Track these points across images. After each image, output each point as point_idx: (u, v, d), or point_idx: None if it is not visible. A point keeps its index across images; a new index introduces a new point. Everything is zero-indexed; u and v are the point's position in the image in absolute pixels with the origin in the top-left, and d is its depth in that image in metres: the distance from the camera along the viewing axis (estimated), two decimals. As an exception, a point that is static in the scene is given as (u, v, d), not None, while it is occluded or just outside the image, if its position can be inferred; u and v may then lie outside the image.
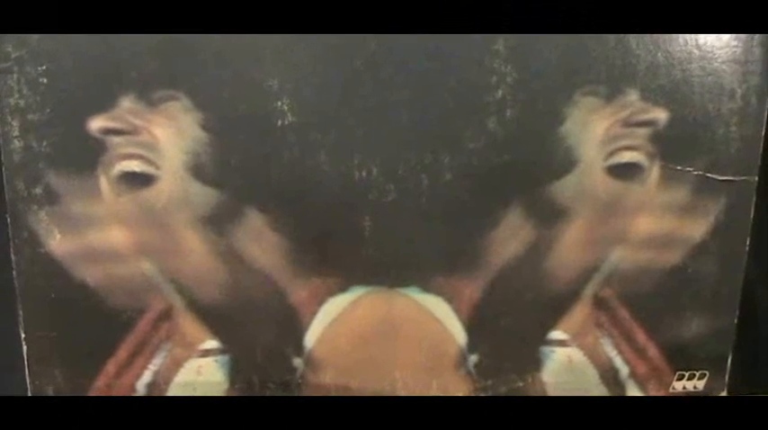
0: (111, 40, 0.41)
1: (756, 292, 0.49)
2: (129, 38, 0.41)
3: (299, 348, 0.45)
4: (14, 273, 0.44)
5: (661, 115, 0.43)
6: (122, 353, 0.45)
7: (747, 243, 0.45)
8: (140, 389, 0.45)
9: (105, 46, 0.41)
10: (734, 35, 0.43)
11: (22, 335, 0.45)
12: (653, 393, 0.47)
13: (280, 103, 0.42)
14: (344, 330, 0.45)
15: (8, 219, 0.43)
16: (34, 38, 0.41)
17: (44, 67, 0.42)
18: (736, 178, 0.44)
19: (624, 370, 0.47)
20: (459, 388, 0.46)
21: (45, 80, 0.42)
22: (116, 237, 0.44)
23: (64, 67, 0.42)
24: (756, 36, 0.43)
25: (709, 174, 0.44)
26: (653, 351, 0.47)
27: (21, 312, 0.44)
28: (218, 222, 0.44)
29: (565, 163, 0.43)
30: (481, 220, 0.44)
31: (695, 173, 0.44)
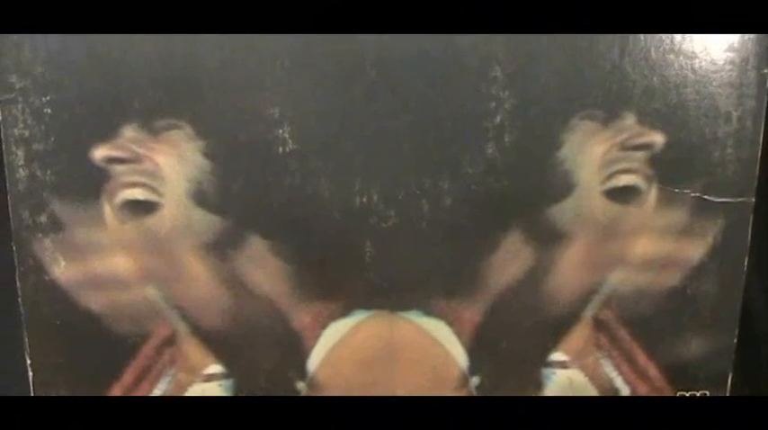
0: (114, 71, 0.41)
1: (755, 312, 0.48)
2: (132, 68, 0.41)
3: (301, 372, 0.44)
4: (20, 300, 0.43)
5: (658, 138, 0.42)
6: (127, 378, 0.44)
7: (745, 263, 0.44)
8: (145, 414, 0.44)
9: (108, 76, 0.41)
10: (729, 60, 0.42)
11: (28, 362, 0.44)
12: (654, 413, 0.46)
13: (281, 131, 0.41)
14: (347, 354, 0.44)
15: (13, 247, 0.43)
16: (38, 69, 0.41)
17: (48, 98, 0.41)
18: (733, 200, 0.43)
19: (625, 390, 0.46)
20: (461, 410, 0.45)
21: (49, 110, 0.41)
22: (120, 263, 0.43)
23: (68, 97, 0.41)
24: (750, 59, 0.42)
25: (706, 196, 0.43)
26: (653, 371, 0.46)
27: (26, 339, 0.44)
28: (220, 248, 0.43)
29: (563, 187, 0.43)
30: (481, 244, 0.43)
31: (693, 195, 0.43)
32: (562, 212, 0.43)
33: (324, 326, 0.44)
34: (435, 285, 0.44)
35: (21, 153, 0.42)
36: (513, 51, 0.41)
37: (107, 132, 0.41)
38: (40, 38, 0.40)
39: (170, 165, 0.42)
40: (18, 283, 0.43)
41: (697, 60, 0.42)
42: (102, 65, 0.41)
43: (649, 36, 0.41)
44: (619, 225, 0.43)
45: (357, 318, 0.44)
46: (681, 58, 0.42)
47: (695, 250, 0.44)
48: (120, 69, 0.41)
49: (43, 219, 0.42)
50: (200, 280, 0.43)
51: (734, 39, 0.42)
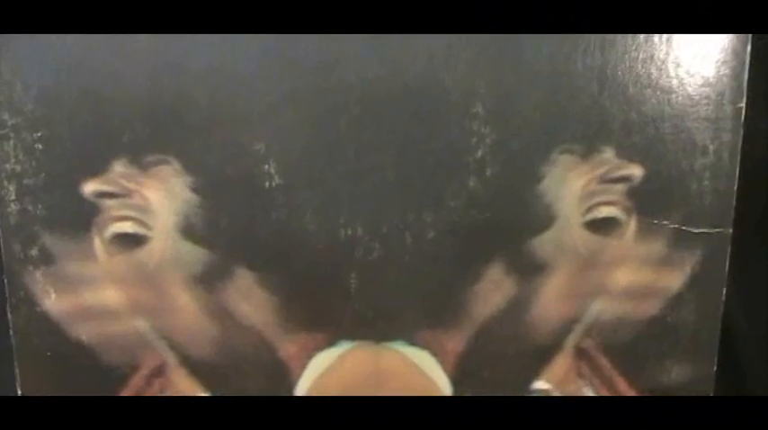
0: (104, 107, 0.41)
1: (734, 341, 0.49)
2: (121, 104, 0.41)
3: (289, 401, 0.45)
4: (11, 331, 0.43)
5: (636, 171, 0.43)
6: (117, 407, 0.44)
7: (724, 293, 0.45)
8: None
9: (98, 112, 0.41)
10: (705, 94, 0.42)
11: (19, 392, 0.44)
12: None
13: (267, 166, 0.42)
14: (333, 383, 0.44)
15: (5, 280, 0.43)
16: (29, 106, 0.41)
17: (39, 134, 0.41)
18: (710, 230, 0.44)
19: (607, 417, 0.46)
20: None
21: (40, 146, 0.42)
22: (110, 296, 0.43)
23: (58, 133, 0.41)
24: (726, 93, 0.43)
25: (684, 227, 0.44)
26: (635, 398, 0.46)
27: (18, 370, 0.44)
28: (208, 281, 0.43)
29: (544, 219, 0.43)
30: (464, 275, 0.44)
31: (671, 226, 0.44)
32: (543, 244, 0.43)
33: (310, 357, 0.44)
34: (420, 316, 0.44)
35: (12, 188, 0.42)
36: (495, 87, 0.42)
37: (97, 167, 0.42)
38: (31, 75, 0.41)
39: (159, 200, 0.42)
40: (9, 315, 0.43)
41: (674, 95, 0.42)
42: (92, 101, 0.41)
43: (627, 71, 0.42)
44: (599, 256, 0.44)
45: (343, 348, 0.44)
46: (658, 92, 0.42)
47: (674, 280, 0.44)
48: (110, 105, 0.41)
49: (34, 252, 0.43)
50: (188, 311, 0.43)
51: (710, 74, 0.42)
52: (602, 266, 0.44)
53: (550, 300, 0.44)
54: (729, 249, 0.44)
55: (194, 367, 0.44)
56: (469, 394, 0.45)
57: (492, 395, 0.45)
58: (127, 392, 0.44)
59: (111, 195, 0.42)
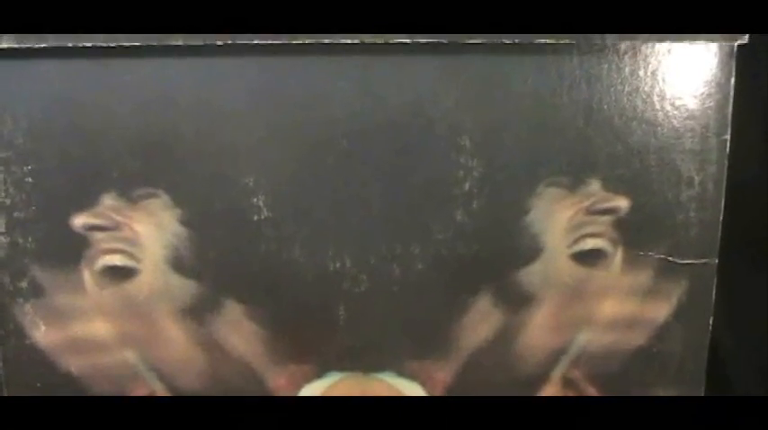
0: (93, 141, 0.41)
1: (721, 370, 0.49)
2: (110, 139, 0.41)
3: (278, 432, 0.44)
4: (1, 363, 0.43)
5: (622, 203, 0.43)
6: (107, 438, 0.44)
7: (710, 323, 0.45)
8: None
9: (87, 147, 0.41)
10: (690, 127, 0.42)
11: (9, 424, 0.44)
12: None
13: (255, 199, 0.42)
14: (322, 414, 0.44)
15: (-6, 312, 0.43)
16: (20, 139, 0.41)
17: (29, 167, 0.41)
18: (696, 261, 0.44)
19: (595, 445, 0.46)
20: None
21: (30, 179, 0.41)
22: (99, 328, 0.43)
23: (48, 166, 0.41)
24: (711, 126, 0.43)
25: (670, 258, 0.44)
26: (622, 427, 0.46)
27: (7, 401, 0.44)
28: (197, 313, 0.43)
29: (531, 251, 0.43)
30: (451, 307, 0.43)
31: (657, 257, 0.44)
32: (530, 275, 0.43)
33: (298, 388, 0.44)
34: (407, 347, 0.44)
35: (2, 220, 0.42)
36: (481, 121, 0.42)
37: (87, 201, 0.42)
38: (21, 109, 0.41)
39: (148, 233, 0.42)
40: (-1, 347, 0.43)
41: (659, 128, 0.42)
42: (82, 135, 0.41)
43: (612, 104, 0.42)
44: (586, 287, 0.44)
45: (331, 379, 0.44)
46: (644, 125, 0.42)
47: (661, 310, 0.44)
48: (99, 140, 0.41)
49: (24, 284, 0.42)
50: (177, 343, 0.43)
51: (695, 107, 0.42)
52: (589, 297, 0.44)
53: (538, 331, 0.44)
54: (715, 280, 0.44)
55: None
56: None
57: (491, 395, 0.45)
58: (116, 424, 0.44)
59: (100, 228, 0.42)
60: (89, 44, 0.39)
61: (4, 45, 0.39)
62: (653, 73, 0.42)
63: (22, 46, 0.39)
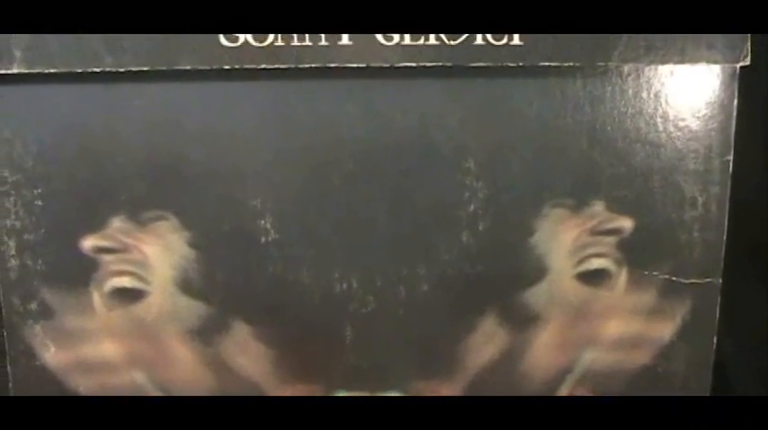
0: (102, 164, 0.41)
1: (726, 389, 0.49)
2: (119, 162, 0.41)
3: (285, 451, 0.44)
4: (11, 384, 0.43)
5: (626, 224, 0.43)
6: (116, 458, 0.44)
7: (714, 342, 0.45)
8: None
9: (96, 169, 0.41)
10: (693, 148, 0.42)
11: (19, 444, 0.44)
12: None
13: (263, 222, 0.42)
14: (329, 434, 0.44)
15: (4, 333, 0.43)
16: (29, 163, 0.41)
17: (39, 190, 0.42)
18: (700, 281, 0.44)
19: (600, 464, 0.46)
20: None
21: (40, 202, 0.42)
22: (108, 349, 0.43)
23: (58, 190, 0.42)
24: (714, 147, 0.43)
25: (674, 278, 0.44)
26: (627, 445, 0.46)
27: (17, 422, 0.44)
28: (205, 334, 0.43)
29: (536, 271, 0.43)
30: (457, 327, 0.43)
31: (661, 277, 0.44)
32: (536, 296, 0.43)
33: (306, 408, 0.44)
34: (414, 367, 0.44)
35: (12, 243, 0.42)
36: (486, 143, 0.42)
37: (96, 223, 0.42)
38: (31, 133, 0.41)
39: (156, 255, 0.42)
40: (9, 368, 0.43)
41: (663, 149, 0.43)
42: (91, 159, 0.41)
43: (616, 126, 0.42)
44: (591, 306, 0.44)
45: (338, 399, 0.44)
46: (647, 146, 0.42)
47: (665, 329, 0.44)
48: (108, 163, 0.41)
49: (34, 306, 0.43)
50: (185, 363, 0.43)
51: (698, 128, 0.42)
52: (594, 317, 0.44)
53: (543, 351, 0.44)
54: (719, 299, 0.44)
55: (192, 418, 0.44)
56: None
57: (491, 395, 0.45)
58: (125, 444, 0.44)
59: (109, 251, 0.42)
60: (98, 69, 0.40)
61: (15, 70, 0.40)
62: (656, 95, 0.42)
63: (33, 71, 0.40)
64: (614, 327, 0.44)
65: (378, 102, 0.41)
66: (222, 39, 0.40)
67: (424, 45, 0.40)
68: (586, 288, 0.43)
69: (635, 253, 0.43)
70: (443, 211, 0.42)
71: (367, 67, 0.40)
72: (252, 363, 0.43)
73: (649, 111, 0.42)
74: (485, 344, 0.44)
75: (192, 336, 0.43)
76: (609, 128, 0.42)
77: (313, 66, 0.40)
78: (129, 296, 0.43)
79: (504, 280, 0.43)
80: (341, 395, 0.44)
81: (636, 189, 0.43)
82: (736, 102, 0.42)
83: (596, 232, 0.43)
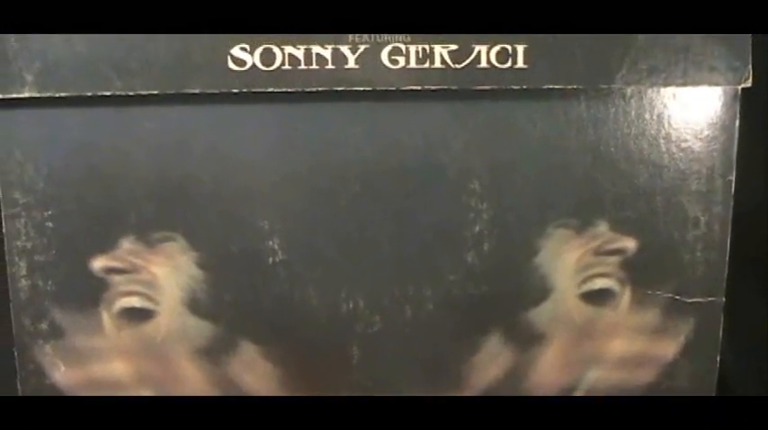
0: (111, 186, 0.42)
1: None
2: (129, 184, 0.42)
3: (292, 469, 0.45)
4: (22, 403, 0.44)
5: (630, 244, 0.43)
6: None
7: (717, 360, 0.45)
8: None
9: (106, 191, 0.42)
10: (695, 169, 0.43)
11: (29, 463, 0.44)
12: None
13: (270, 242, 0.42)
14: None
15: (15, 353, 0.43)
16: (40, 185, 0.42)
17: (50, 212, 0.42)
18: (703, 300, 0.44)
19: (605, 481, 0.46)
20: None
21: (50, 224, 0.42)
22: (117, 368, 0.43)
23: (68, 211, 0.42)
24: (716, 167, 0.43)
25: (677, 297, 0.44)
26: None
27: (27, 440, 0.44)
28: (213, 353, 0.43)
29: (540, 291, 0.43)
30: (462, 347, 0.44)
31: (665, 296, 0.44)
32: (540, 315, 0.44)
33: (313, 426, 0.44)
34: (420, 386, 0.44)
35: (23, 264, 0.42)
36: (490, 164, 0.42)
37: (105, 244, 0.42)
38: (42, 156, 0.41)
39: (165, 275, 0.42)
40: (19, 387, 0.43)
41: (665, 170, 0.43)
42: (101, 180, 0.42)
43: (619, 147, 0.42)
44: (595, 325, 0.44)
45: (345, 418, 0.44)
46: (650, 167, 0.43)
47: (669, 348, 0.44)
48: (118, 185, 0.42)
49: (44, 326, 0.43)
50: (193, 382, 0.44)
51: (700, 149, 0.43)
52: (598, 336, 0.44)
53: (547, 370, 0.44)
54: (722, 317, 0.44)
55: (200, 437, 0.44)
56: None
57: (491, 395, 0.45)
58: (134, 462, 0.44)
59: (118, 271, 0.42)
60: (108, 93, 0.40)
61: (27, 94, 0.40)
62: (658, 116, 0.42)
63: (44, 95, 0.40)
64: (618, 346, 0.44)
65: (383, 124, 0.42)
66: (230, 63, 0.40)
67: (429, 68, 0.40)
68: (590, 307, 0.44)
69: (638, 272, 0.44)
70: (449, 232, 0.43)
71: (373, 91, 0.40)
72: (259, 382, 0.44)
73: (652, 132, 0.42)
74: (490, 363, 0.44)
75: (201, 356, 0.43)
76: (612, 149, 0.42)
77: (320, 89, 0.40)
78: (138, 316, 0.43)
79: (508, 299, 0.43)
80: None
81: (639, 209, 0.43)
82: (737, 123, 0.43)
83: (600, 252, 0.43)
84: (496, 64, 0.40)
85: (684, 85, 0.41)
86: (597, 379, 0.44)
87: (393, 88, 0.40)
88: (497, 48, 0.40)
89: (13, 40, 0.40)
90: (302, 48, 0.40)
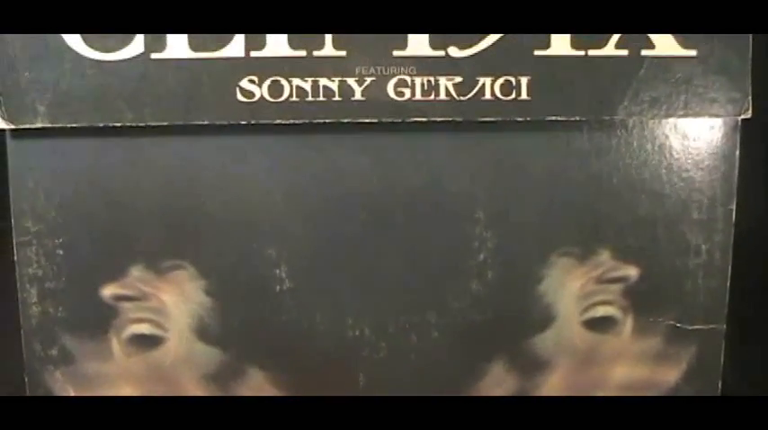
0: (121, 215, 0.42)
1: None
2: (139, 213, 0.42)
3: (299, 493, 0.45)
4: (32, 428, 0.44)
5: (632, 272, 0.44)
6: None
7: (719, 386, 0.45)
8: None
9: (116, 220, 0.42)
10: (696, 199, 0.43)
11: (39, 487, 0.44)
12: None
13: (277, 271, 0.43)
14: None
15: (26, 378, 0.44)
16: (51, 214, 0.42)
17: (60, 240, 0.42)
18: (705, 327, 0.44)
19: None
20: None
21: (61, 251, 0.43)
22: (127, 393, 0.44)
23: (78, 239, 0.42)
24: (718, 197, 0.43)
25: (679, 324, 0.44)
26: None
27: (37, 465, 0.44)
28: (221, 379, 0.44)
29: (544, 319, 0.44)
30: (467, 373, 0.44)
31: (667, 323, 0.44)
32: (544, 342, 0.44)
33: (319, 452, 0.44)
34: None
35: (34, 291, 0.43)
36: (495, 194, 0.43)
37: (115, 272, 0.43)
38: (53, 185, 0.42)
39: (174, 303, 0.43)
40: (30, 412, 0.44)
41: (667, 199, 0.43)
42: (111, 210, 0.42)
43: (622, 177, 0.43)
44: (598, 352, 0.44)
45: (351, 443, 0.44)
46: (652, 197, 0.43)
47: (671, 374, 0.45)
48: (128, 214, 0.42)
49: (54, 352, 0.43)
50: (202, 408, 0.44)
51: (701, 178, 0.43)
52: (601, 362, 0.44)
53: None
54: (724, 344, 0.45)
55: (207, 461, 0.45)
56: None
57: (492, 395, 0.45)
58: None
59: (128, 299, 0.43)
60: (118, 124, 0.41)
61: (39, 125, 0.41)
62: (660, 147, 0.43)
63: (56, 125, 0.41)
64: (621, 373, 0.45)
65: (389, 155, 0.42)
66: (239, 95, 0.41)
67: (434, 100, 0.41)
68: (593, 334, 0.44)
69: (640, 300, 0.44)
70: (453, 261, 0.43)
71: (379, 122, 0.41)
72: (266, 408, 0.44)
73: (654, 162, 0.43)
74: (494, 388, 0.44)
75: (208, 382, 0.44)
76: (614, 179, 0.43)
77: (327, 121, 0.41)
78: (147, 342, 0.43)
79: (512, 327, 0.44)
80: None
81: (641, 238, 0.43)
82: (738, 153, 0.43)
83: (602, 280, 0.44)
84: (500, 96, 0.41)
85: (685, 116, 0.42)
86: (600, 405, 0.45)
87: (399, 120, 0.41)
88: (501, 80, 0.41)
89: (26, 72, 0.40)
90: (309, 80, 0.41)
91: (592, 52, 0.41)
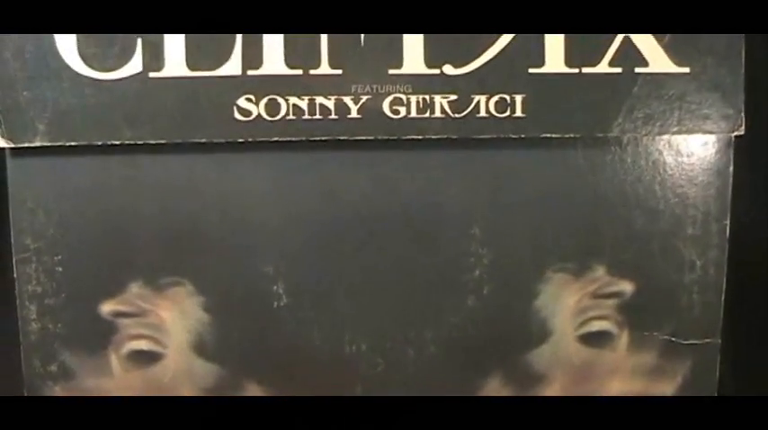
0: (120, 232, 0.42)
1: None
2: (137, 230, 0.42)
3: None
4: (31, 443, 0.44)
5: (627, 287, 0.44)
6: None
7: (714, 400, 0.45)
8: None
9: (115, 237, 0.42)
10: (691, 214, 0.43)
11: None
12: None
13: (275, 287, 0.43)
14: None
15: (25, 394, 0.44)
16: (51, 231, 0.42)
17: (59, 257, 0.43)
18: (700, 341, 0.45)
19: None
20: None
21: (60, 268, 0.43)
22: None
23: (77, 256, 0.43)
24: (712, 212, 0.44)
25: (674, 339, 0.44)
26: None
27: (37, 480, 0.44)
28: (219, 394, 0.44)
29: (539, 334, 0.44)
30: (463, 388, 0.44)
31: (662, 338, 0.44)
32: (539, 357, 0.44)
33: (317, 467, 0.45)
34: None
35: (33, 307, 0.43)
36: (490, 210, 0.43)
37: (114, 289, 0.43)
38: (52, 202, 0.42)
39: (173, 319, 0.43)
40: (29, 428, 0.44)
41: (661, 215, 0.43)
42: (110, 227, 0.43)
43: (616, 193, 0.43)
44: (593, 367, 0.44)
45: (348, 458, 0.45)
46: (646, 213, 0.43)
47: (666, 389, 0.45)
48: (127, 231, 0.42)
49: (54, 368, 0.44)
50: (200, 423, 0.44)
51: (695, 194, 0.43)
52: (597, 377, 0.45)
53: (547, 411, 0.45)
54: (719, 359, 0.45)
55: (206, 476, 0.45)
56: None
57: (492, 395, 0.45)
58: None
59: (127, 315, 0.43)
60: (117, 142, 0.41)
61: (38, 143, 0.41)
62: (654, 163, 0.43)
63: (55, 144, 0.41)
64: (616, 387, 0.45)
65: (386, 172, 0.42)
66: (236, 113, 0.41)
67: (429, 118, 0.41)
68: (589, 349, 0.44)
69: (636, 315, 0.44)
70: (450, 276, 0.43)
71: (375, 140, 0.41)
72: (264, 424, 0.44)
73: (648, 178, 0.43)
74: (490, 404, 0.44)
75: (207, 397, 0.44)
76: (609, 195, 0.43)
77: (323, 138, 0.41)
78: (146, 358, 0.43)
79: (508, 342, 0.44)
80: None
81: (636, 253, 0.44)
82: (731, 169, 0.43)
83: (598, 295, 0.44)
84: (495, 113, 0.41)
85: (679, 132, 0.42)
86: (596, 419, 0.45)
87: (395, 137, 0.41)
88: (496, 98, 0.41)
89: (25, 91, 0.41)
90: (306, 98, 0.41)
91: (586, 70, 0.41)
